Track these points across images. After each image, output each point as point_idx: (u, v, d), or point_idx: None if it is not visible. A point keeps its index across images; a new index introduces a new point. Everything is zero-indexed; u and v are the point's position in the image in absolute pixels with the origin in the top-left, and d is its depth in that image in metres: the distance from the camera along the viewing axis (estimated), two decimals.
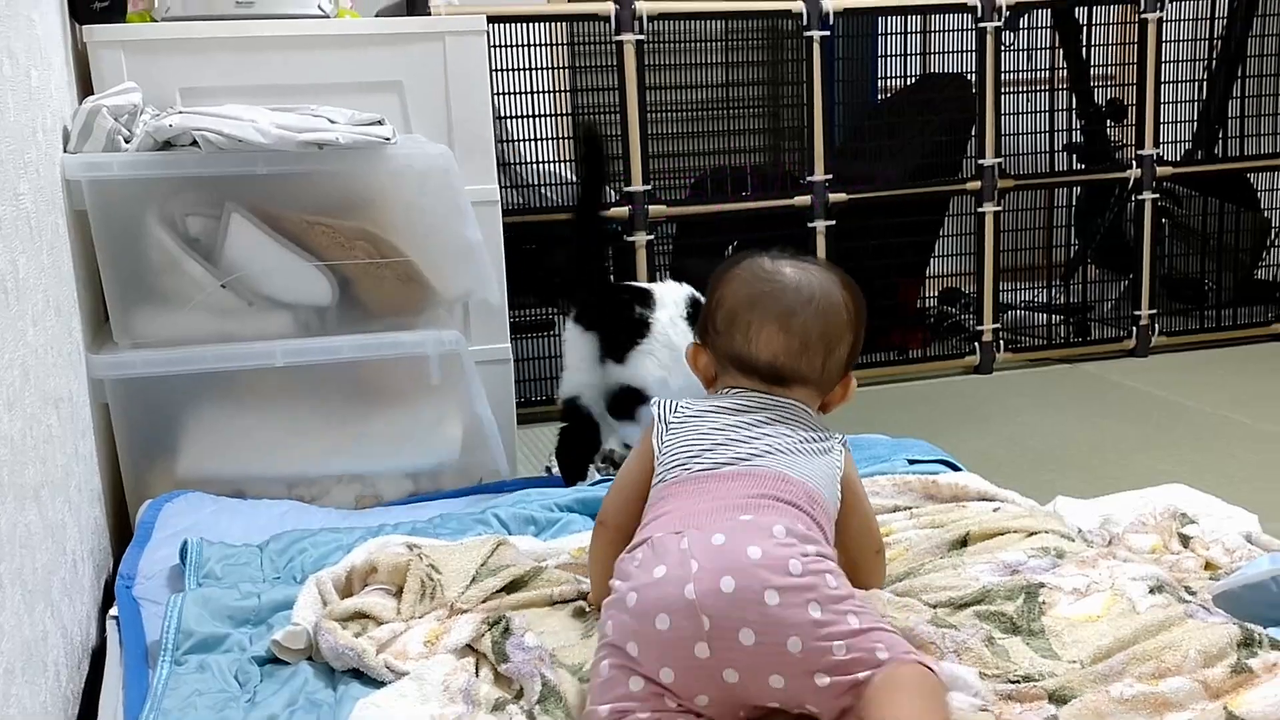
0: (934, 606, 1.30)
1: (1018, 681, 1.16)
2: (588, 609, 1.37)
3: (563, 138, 3.10)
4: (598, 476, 2.09)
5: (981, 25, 3.14)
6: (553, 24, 3.01)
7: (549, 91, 2.99)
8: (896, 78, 3.39)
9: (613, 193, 3.00)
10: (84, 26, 2.04)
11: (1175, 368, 3.18)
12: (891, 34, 3.30)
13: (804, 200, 3.10)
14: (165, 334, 1.87)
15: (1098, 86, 3.53)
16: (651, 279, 2.97)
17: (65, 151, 1.81)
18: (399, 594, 1.41)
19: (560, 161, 3.12)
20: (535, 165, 3.01)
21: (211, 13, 2.15)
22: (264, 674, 1.31)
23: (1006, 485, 1.73)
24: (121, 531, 1.85)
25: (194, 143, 1.80)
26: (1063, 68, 3.47)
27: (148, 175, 1.82)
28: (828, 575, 1.10)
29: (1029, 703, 1.13)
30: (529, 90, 2.93)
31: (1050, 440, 2.63)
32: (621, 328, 2.04)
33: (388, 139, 1.87)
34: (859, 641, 1.07)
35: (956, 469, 1.91)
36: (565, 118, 3.12)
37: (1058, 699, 1.13)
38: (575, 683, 1.20)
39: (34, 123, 1.55)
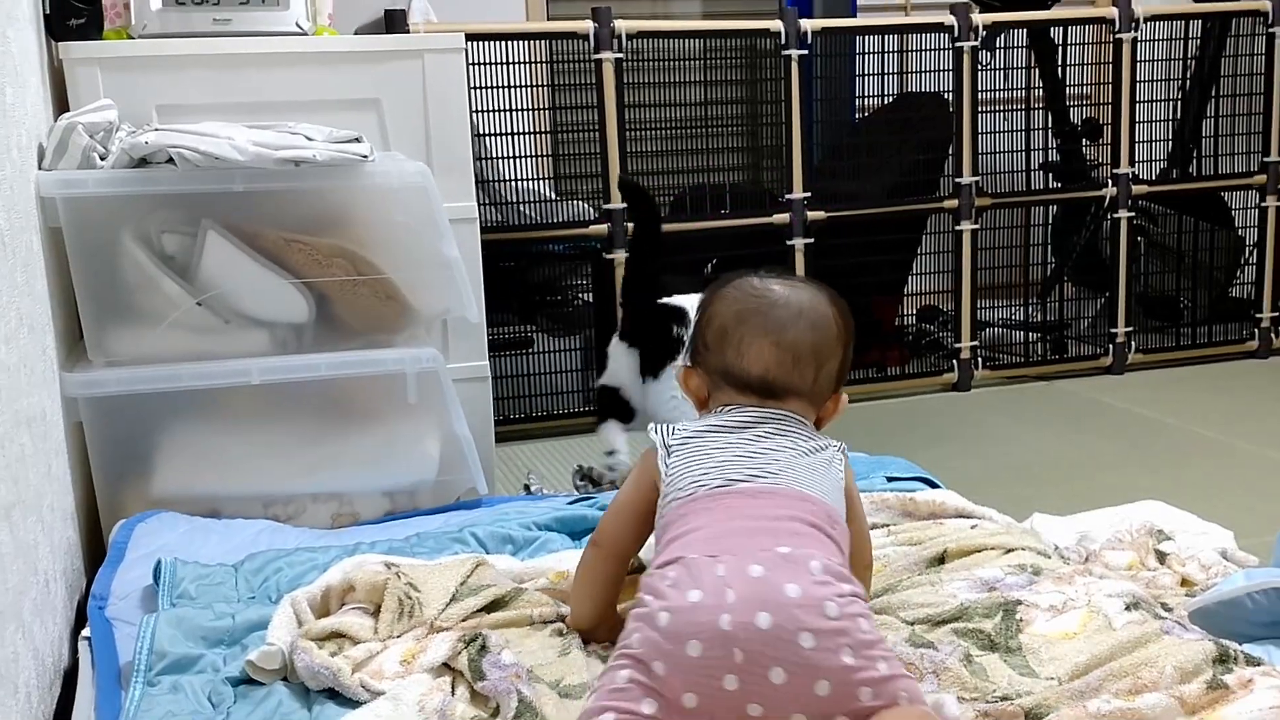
0: (911, 624, 1.30)
1: (995, 702, 1.16)
2: (565, 632, 1.36)
3: (542, 155, 3.10)
4: (578, 495, 2.08)
5: (958, 45, 3.16)
6: (532, 42, 3.01)
7: (528, 109, 3.00)
8: (874, 97, 3.41)
9: (591, 210, 3.01)
10: (60, 43, 2.03)
11: (1151, 385, 3.20)
12: (869, 53, 3.32)
13: (783, 218, 3.11)
14: (140, 352, 1.86)
15: (1073, 106, 3.56)
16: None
17: (40, 169, 1.80)
18: (376, 613, 1.40)
19: (540, 179, 3.12)
20: (514, 183, 3.01)
21: (189, 30, 2.14)
22: (238, 695, 1.30)
23: (984, 502, 1.73)
24: (95, 551, 1.83)
25: (170, 160, 1.79)
26: (1039, 87, 3.50)
27: (123, 192, 1.81)
28: (861, 620, 1.10)
29: None
30: (508, 108, 2.94)
31: (1027, 457, 2.64)
32: (659, 346, 2.21)
33: (365, 156, 1.87)
34: (885, 689, 1.08)
35: (935, 486, 1.91)
36: (545, 135, 3.13)
37: (1035, 717, 1.13)
38: (555, 697, 1.20)
39: (8, 140, 1.54)
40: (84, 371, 1.82)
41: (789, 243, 3.10)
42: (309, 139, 1.86)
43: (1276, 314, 3.46)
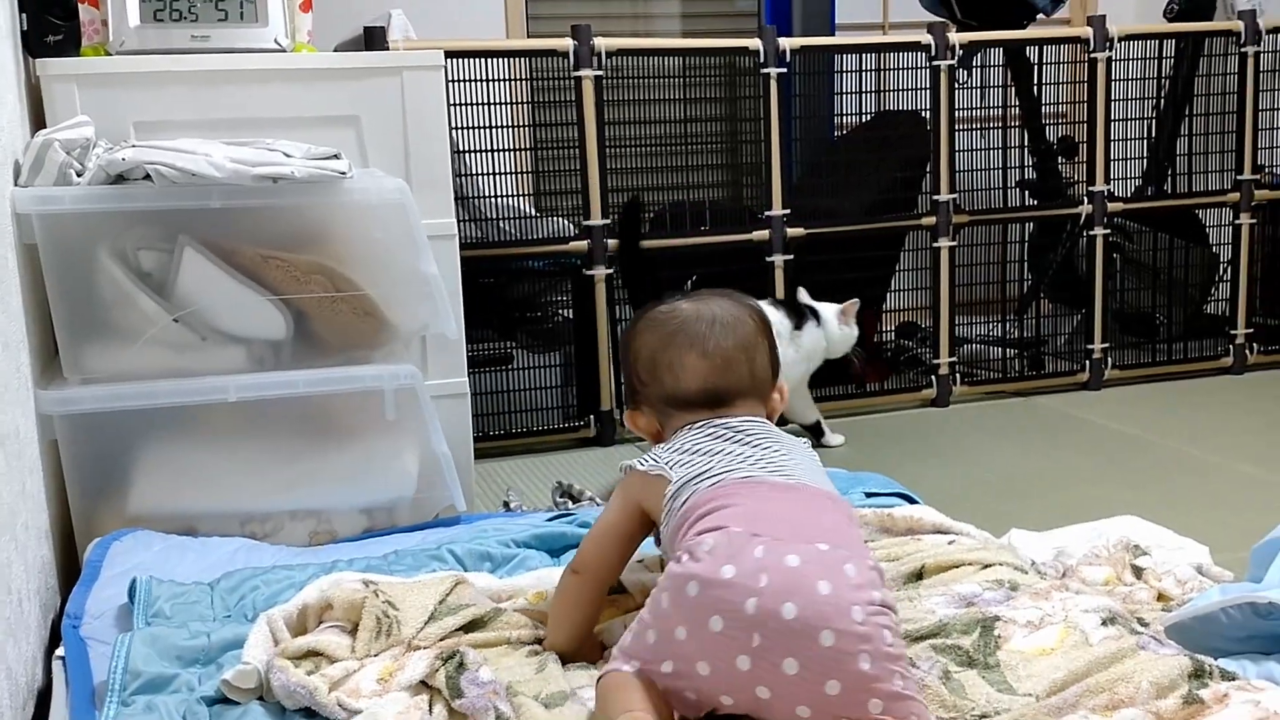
0: None
1: None
2: (541, 652, 1.36)
3: (523, 172, 3.10)
4: (557, 511, 2.08)
5: (936, 64, 3.18)
6: (512, 59, 3.02)
7: (508, 126, 3.00)
8: (853, 114, 3.43)
9: (572, 227, 3.01)
10: (37, 60, 2.02)
11: (1127, 401, 3.22)
12: (848, 71, 3.34)
13: (762, 235, 3.12)
14: (116, 369, 1.85)
15: (1050, 124, 3.58)
16: (611, 313, 2.98)
17: (16, 185, 1.79)
18: (354, 631, 1.39)
19: (520, 196, 3.12)
20: (494, 199, 3.01)
21: (167, 46, 2.14)
22: (213, 714, 1.29)
23: (962, 517, 1.74)
24: (69, 570, 1.82)
25: (147, 176, 1.79)
26: (1016, 105, 3.53)
27: (99, 209, 1.80)
28: (885, 631, 1.11)
29: None
30: (488, 124, 2.94)
31: (1005, 472, 2.65)
32: None
33: (344, 173, 1.87)
34: (895, 706, 1.09)
35: (913, 502, 1.92)
36: (525, 152, 3.13)
37: None
38: (539, 708, 1.19)
39: None
40: (59, 389, 1.81)
41: (769, 259, 3.11)
42: (287, 155, 1.86)
43: (1251, 330, 3.49)
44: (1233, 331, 3.48)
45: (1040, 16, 3.51)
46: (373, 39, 2.70)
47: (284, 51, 2.19)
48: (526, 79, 3.18)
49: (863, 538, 1.24)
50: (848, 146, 3.52)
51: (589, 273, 2.96)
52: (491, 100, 2.93)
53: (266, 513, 1.92)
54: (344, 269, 1.91)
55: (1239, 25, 3.37)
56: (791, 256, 3.12)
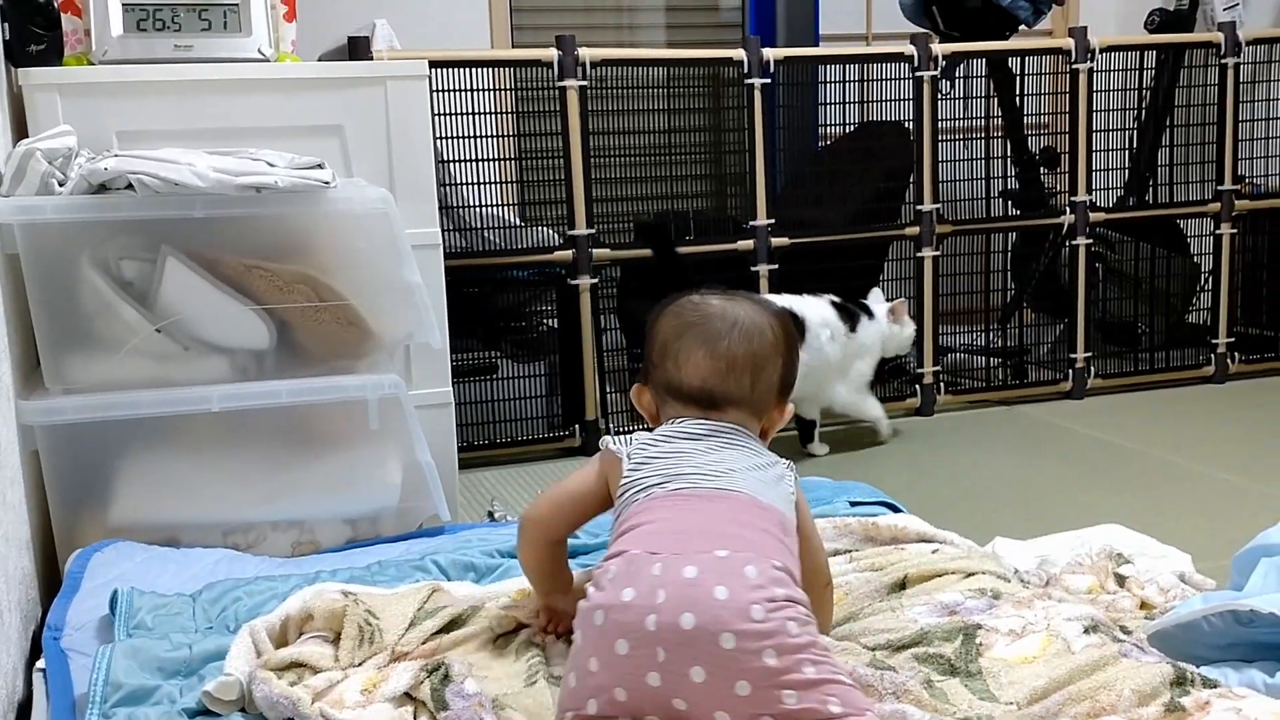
0: (873, 649, 1.31)
1: None
2: (532, 654, 1.35)
3: (508, 182, 3.11)
4: None
5: (918, 75, 3.20)
6: (496, 69, 3.02)
7: (493, 136, 3.00)
8: (837, 125, 3.44)
9: (556, 236, 3.01)
10: (19, 69, 2.01)
11: (1110, 409, 3.23)
12: (831, 82, 3.35)
13: (747, 244, 3.12)
14: (98, 379, 1.84)
15: (1032, 135, 3.61)
16: (596, 322, 2.98)
17: None
18: (336, 641, 1.39)
19: (505, 205, 3.12)
20: (479, 209, 3.01)
21: (150, 56, 2.13)
22: None
23: (947, 526, 1.74)
24: (51, 581, 1.80)
25: (129, 186, 1.78)
26: (998, 116, 3.55)
27: (81, 219, 1.80)
28: (790, 623, 1.12)
29: None
30: (473, 134, 2.94)
31: (989, 481, 2.66)
32: None
33: (327, 183, 1.86)
34: (812, 693, 1.10)
35: (897, 510, 1.92)
36: (510, 162, 3.13)
37: None
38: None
39: None
40: (41, 399, 1.80)
41: (753, 269, 3.12)
42: (271, 165, 1.85)
43: (1232, 339, 3.51)
44: (1214, 341, 3.50)
45: (1022, 28, 3.53)
46: (357, 49, 2.70)
47: (267, 61, 2.18)
48: (511, 89, 3.18)
49: (786, 544, 1.24)
50: (831, 157, 3.53)
51: (574, 282, 2.96)
52: (476, 110, 2.93)
53: (249, 523, 1.91)
54: (328, 279, 1.90)
55: (1219, 37, 3.39)
56: (776, 266, 3.13)
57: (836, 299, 2.95)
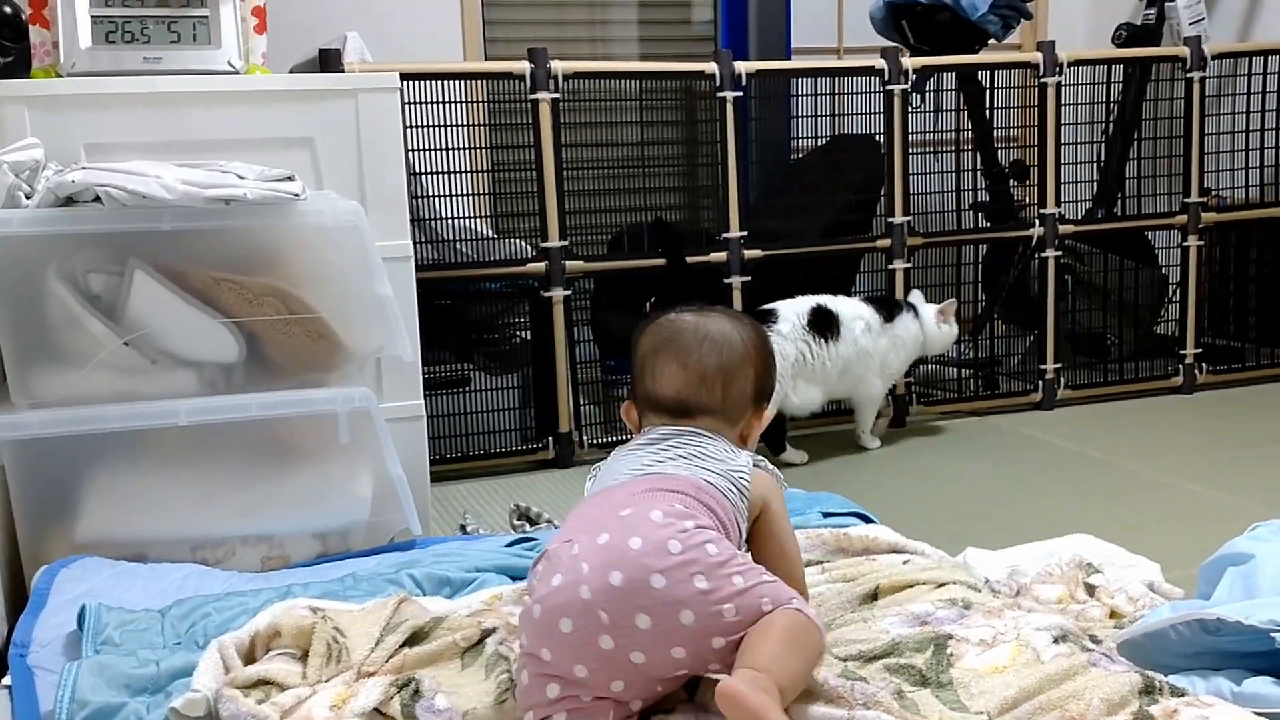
0: (844, 660, 1.31)
1: None
2: (504, 650, 1.35)
3: (480, 194, 3.10)
4: (514, 535, 2.07)
5: (889, 88, 3.22)
6: (468, 82, 3.02)
7: (466, 148, 3.00)
8: (809, 138, 3.46)
9: (529, 248, 3.01)
10: None
11: (1080, 420, 3.26)
12: (803, 95, 3.37)
13: (720, 256, 3.13)
14: (65, 394, 1.82)
15: (1002, 147, 3.63)
16: (568, 334, 2.98)
17: None
18: (304, 658, 1.38)
19: (478, 217, 3.12)
20: (451, 221, 3.00)
21: (119, 68, 2.12)
22: None
23: (919, 536, 1.75)
24: (17, 598, 1.78)
25: (97, 199, 1.77)
26: (968, 129, 3.57)
27: (48, 232, 1.78)
28: (707, 545, 1.21)
29: None
30: (446, 146, 2.94)
31: (961, 491, 2.67)
32: None
33: (297, 195, 1.86)
34: (744, 600, 1.19)
35: (869, 521, 1.93)
36: (483, 174, 3.13)
37: None
38: None
39: None
40: (6, 413, 1.79)
41: (726, 281, 3.13)
42: (240, 177, 1.85)
43: (1200, 350, 3.54)
44: (1182, 351, 3.53)
45: (991, 41, 3.56)
46: (328, 61, 2.69)
47: (237, 73, 2.18)
48: (483, 101, 3.18)
49: (701, 501, 1.29)
50: (804, 170, 3.55)
51: (546, 294, 2.96)
52: (449, 122, 2.93)
53: (218, 538, 1.90)
54: (298, 291, 1.89)
55: (1185, 51, 3.43)
56: (749, 278, 3.13)
57: (873, 296, 3.09)
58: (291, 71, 2.96)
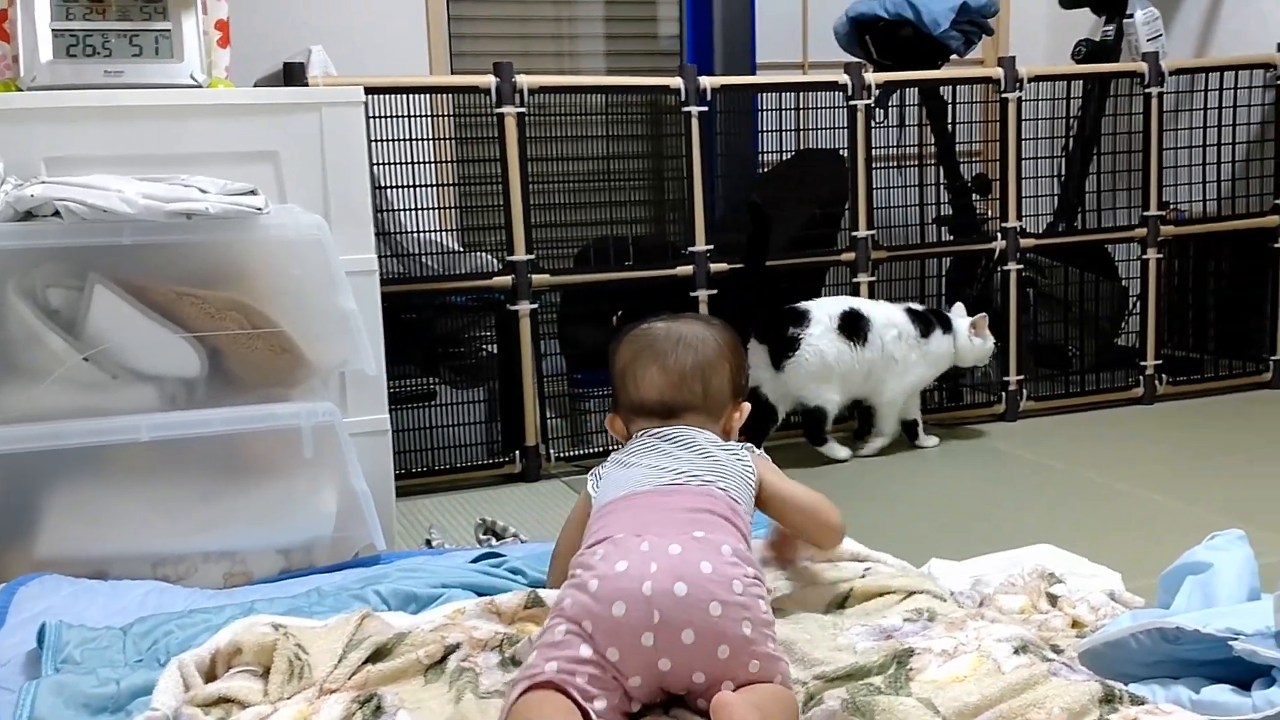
0: (805, 684, 1.32)
1: None
2: (468, 664, 1.34)
3: (447, 207, 3.10)
4: (480, 549, 2.06)
5: (853, 103, 3.25)
6: (434, 95, 3.02)
7: (431, 161, 3.00)
8: (774, 152, 3.48)
9: (496, 262, 3.01)
10: None
11: (1042, 431, 3.29)
12: (768, 110, 3.39)
13: (686, 270, 3.14)
14: (24, 409, 1.80)
15: (964, 162, 3.67)
16: (535, 347, 2.98)
17: None
18: (265, 675, 1.37)
19: (444, 231, 3.11)
20: (417, 234, 2.99)
21: (80, 82, 2.11)
22: None
23: (883, 546, 1.76)
24: None
25: (57, 213, 1.75)
26: (931, 144, 3.61)
27: (7, 246, 1.77)
28: (760, 601, 1.28)
29: None
30: (410, 160, 2.93)
31: (926, 502, 2.69)
32: (780, 342, 2.90)
33: (259, 209, 1.85)
34: (767, 665, 1.25)
35: None
36: (449, 188, 3.13)
37: None
38: None
39: None
40: None
41: (692, 294, 3.14)
42: (202, 191, 1.84)
43: (1160, 362, 3.59)
44: (1142, 363, 3.57)
45: (954, 57, 3.60)
46: (292, 75, 2.68)
47: (200, 87, 2.17)
48: (450, 115, 3.18)
49: (737, 526, 1.38)
50: (769, 184, 3.57)
51: (513, 308, 2.96)
52: (414, 136, 2.93)
53: (180, 555, 1.88)
54: (261, 305, 1.89)
55: (1143, 67, 3.48)
56: (715, 291, 3.15)
57: (915, 306, 3.15)
58: (256, 85, 2.95)
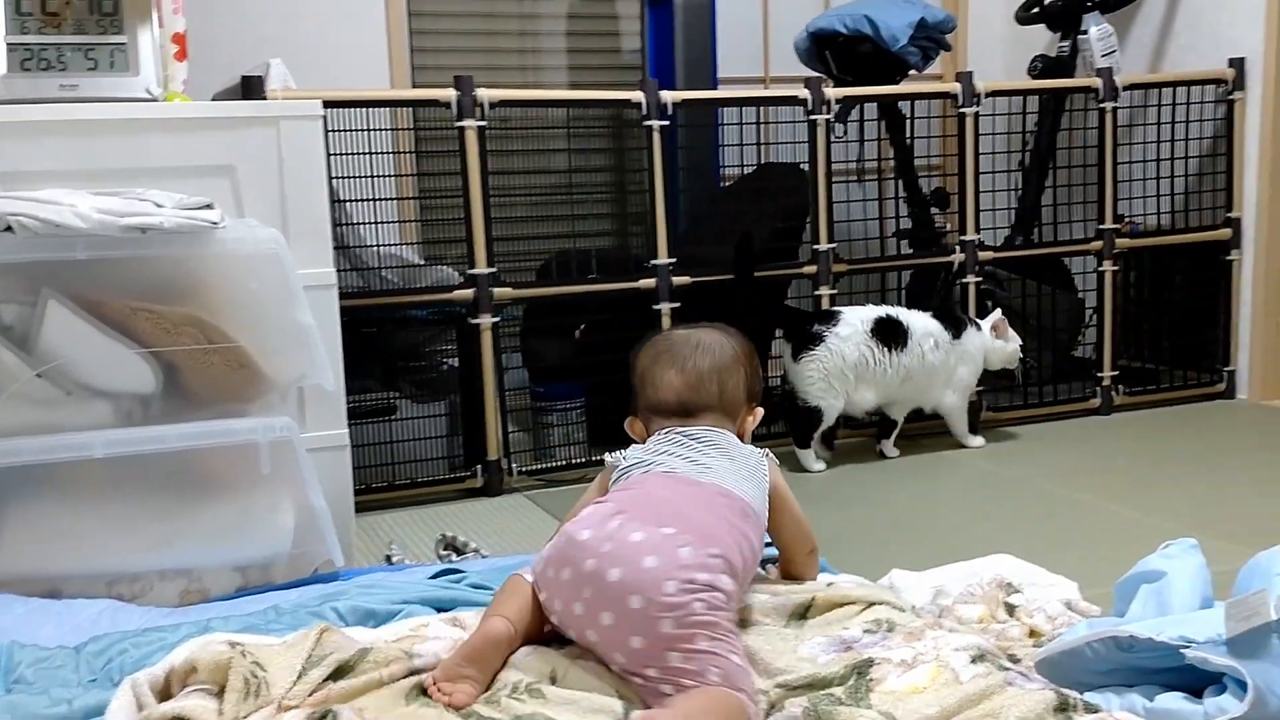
0: (765, 692, 1.32)
1: None
2: (427, 685, 1.34)
3: (408, 221, 3.09)
4: (441, 565, 2.05)
5: (813, 117, 3.27)
6: (394, 109, 3.01)
7: (391, 175, 2.99)
8: (737, 166, 3.49)
9: (457, 275, 3.00)
10: None
11: (1001, 442, 3.31)
12: (729, 124, 3.40)
13: (649, 283, 3.15)
14: None
15: (923, 176, 3.70)
16: (497, 360, 2.97)
17: None
18: (221, 694, 1.35)
19: (405, 245, 3.10)
20: (378, 248, 2.98)
21: (35, 96, 2.09)
22: None
23: (845, 557, 1.77)
24: None
25: (9, 228, 1.73)
26: (891, 158, 3.63)
27: None
28: (698, 603, 1.30)
29: None
30: (371, 174, 2.92)
31: (887, 513, 2.71)
32: (803, 338, 3.01)
33: (215, 223, 1.84)
34: (696, 659, 1.27)
35: None
36: (411, 201, 3.12)
37: None
38: None
39: None
40: None
41: (655, 307, 3.14)
42: (158, 205, 1.82)
43: (1116, 373, 3.63)
44: (1099, 374, 3.61)
45: (912, 72, 3.63)
46: (250, 88, 2.67)
47: (156, 101, 2.15)
48: (410, 128, 3.17)
49: (742, 530, 1.44)
50: (731, 197, 3.59)
51: (474, 321, 2.95)
52: (375, 150, 2.92)
53: (135, 573, 1.86)
54: (217, 320, 1.87)
55: (1098, 82, 3.53)
56: (678, 304, 3.15)
57: (944, 311, 3.23)
58: (215, 99, 2.93)
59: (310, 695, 1.32)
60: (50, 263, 1.78)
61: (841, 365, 2.98)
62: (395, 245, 3.03)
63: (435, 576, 1.87)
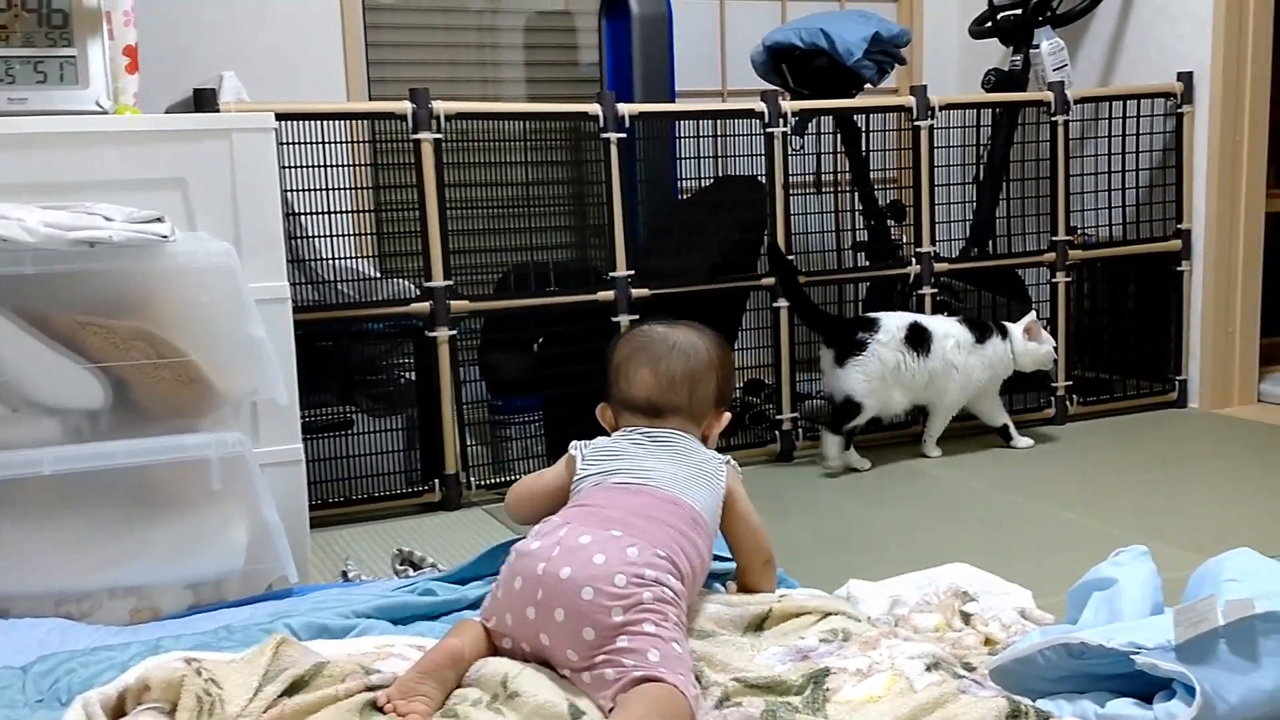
0: (724, 684, 1.32)
1: None
2: (381, 702, 1.33)
3: (364, 234, 3.07)
4: (397, 581, 2.04)
5: (770, 130, 3.29)
6: (350, 122, 3.00)
7: (347, 188, 2.97)
8: (695, 179, 3.50)
9: (413, 288, 2.99)
10: None
11: (957, 451, 3.34)
12: (686, 137, 3.42)
13: (608, 295, 3.15)
14: None
15: (880, 188, 3.73)
16: (454, 374, 2.96)
17: None
18: (173, 712, 1.33)
19: (362, 258, 3.08)
20: (333, 261, 2.96)
21: None
22: None
23: (804, 568, 1.78)
24: None
25: None
26: (847, 171, 3.66)
27: None
28: (647, 593, 1.37)
29: None
30: (326, 187, 2.90)
31: (846, 524, 2.72)
32: (847, 343, 3.08)
33: (166, 236, 1.82)
34: (639, 640, 1.33)
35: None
36: (367, 214, 3.10)
37: None
38: None
39: None
40: None
41: (614, 319, 3.14)
42: (107, 219, 1.80)
43: (1070, 383, 3.67)
44: (1053, 384, 3.65)
45: (868, 86, 3.66)
46: (203, 101, 2.65)
47: (105, 113, 2.13)
48: (366, 141, 3.15)
49: (690, 537, 1.50)
50: (690, 209, 3.59)
51: (431, 334, 2.94)
52: (329, 163, 2.90)
53: (84, 591, 1.83)
54: (168, 334, 1.85)
55: (1049, 96, 3.58)
56: (637, 316, 3.15)
57: (967, 315, 3.30)
58: (168, 111, 2.90)
59: (265, 712, 1.31)
60: None
61: (882, 369, 3.07)
62: (351, 258, 3.01)
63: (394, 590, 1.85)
